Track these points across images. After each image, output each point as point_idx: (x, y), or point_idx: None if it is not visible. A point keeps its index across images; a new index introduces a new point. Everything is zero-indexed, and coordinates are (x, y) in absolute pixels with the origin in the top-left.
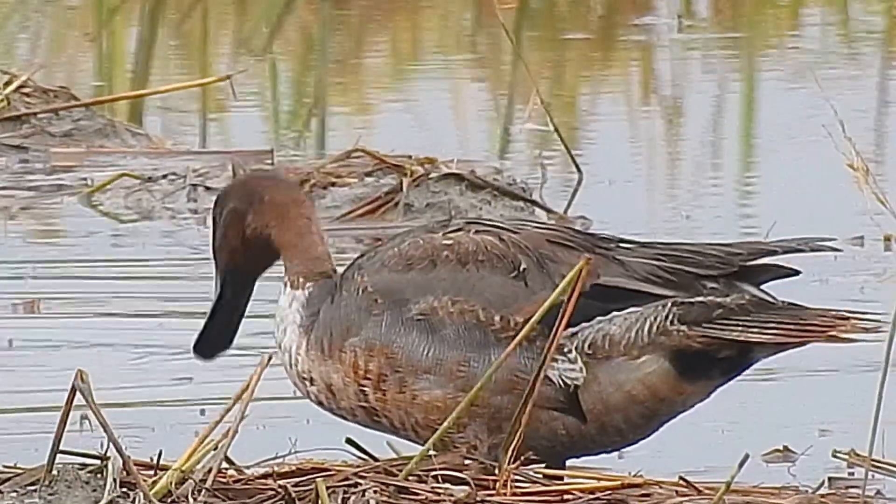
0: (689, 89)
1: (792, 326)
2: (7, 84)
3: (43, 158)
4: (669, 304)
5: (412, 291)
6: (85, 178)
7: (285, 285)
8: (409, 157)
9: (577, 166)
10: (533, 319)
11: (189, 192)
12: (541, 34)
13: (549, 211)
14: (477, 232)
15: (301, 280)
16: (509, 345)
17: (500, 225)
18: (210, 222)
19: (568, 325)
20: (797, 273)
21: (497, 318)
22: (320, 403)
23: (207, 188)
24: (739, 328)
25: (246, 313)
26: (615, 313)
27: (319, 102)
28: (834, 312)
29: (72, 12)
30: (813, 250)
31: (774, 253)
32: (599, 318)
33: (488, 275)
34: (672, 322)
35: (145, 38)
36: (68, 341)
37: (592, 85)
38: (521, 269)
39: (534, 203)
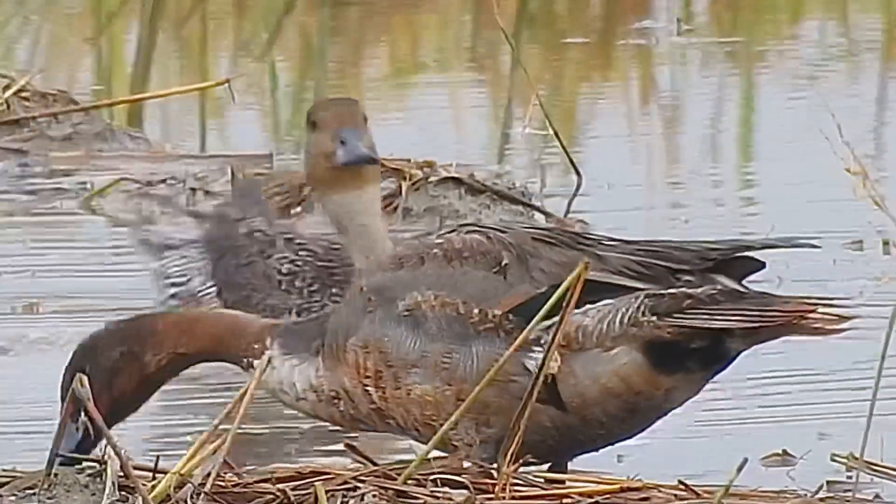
0: (689, 93)
1: (756, 313)
2: (6, 88)
3: (42, 162)
4: (641, 296)
5: (401, 289)
6: (84, 182)
7: (246, 368)
8: (408, 160)
9: (576, 170)
10: (535, 319)
11: (188, 197)
12: (540, 38)
13: (548, 215)
14: (468, 232)
15: (256, 348)
16: (488, 336)
17: (492, 226)
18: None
19: (546, 319)
20: (763, 265)
21: (476, 310)
22: (351, 418)
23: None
24: (706, 316)
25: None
26: (589, 306)
27: None
28: (801, 299)
29: (71, 16)
30: (792, 247)
31: (752, 248)
32: (574, 310)
33: (471, 270)
34: (643, 313)
35: (144, 41)
36: (68, 345)
37: (591, 89)
38: (503, 264)
39: (533, 207)
